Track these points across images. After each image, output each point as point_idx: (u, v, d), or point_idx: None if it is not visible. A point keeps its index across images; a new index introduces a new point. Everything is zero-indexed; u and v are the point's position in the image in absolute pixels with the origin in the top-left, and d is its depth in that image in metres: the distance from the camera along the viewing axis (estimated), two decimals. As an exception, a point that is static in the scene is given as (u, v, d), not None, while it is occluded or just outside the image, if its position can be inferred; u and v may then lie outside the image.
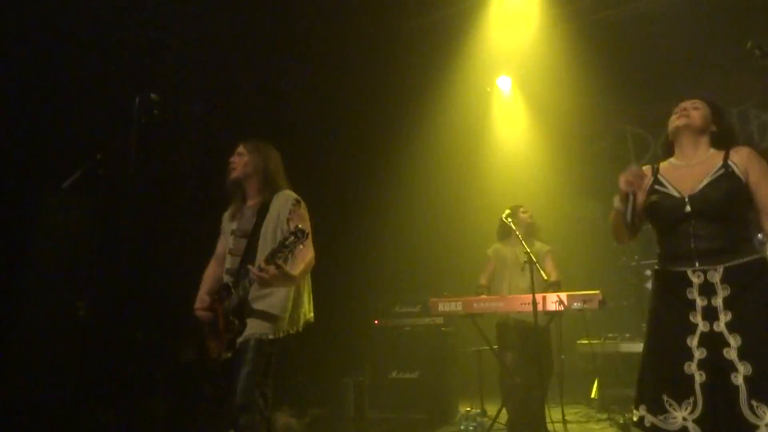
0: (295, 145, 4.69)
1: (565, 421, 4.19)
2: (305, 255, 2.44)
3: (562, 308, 3.48)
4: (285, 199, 2.55)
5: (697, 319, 1.93)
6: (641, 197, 2.06)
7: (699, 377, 1.88)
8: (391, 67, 5.46)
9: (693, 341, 1.91)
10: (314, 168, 4.80)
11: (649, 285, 5.22)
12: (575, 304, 3.46)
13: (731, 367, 1.84)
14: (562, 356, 4.74)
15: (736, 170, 1.97)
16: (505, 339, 3.83)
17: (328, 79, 5.02)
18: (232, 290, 2.45)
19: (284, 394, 4.12)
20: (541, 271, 3.45)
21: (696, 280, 1.94)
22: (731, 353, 1.85)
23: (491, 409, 3.95)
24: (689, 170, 2.05)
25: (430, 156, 5.78)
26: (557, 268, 3.81)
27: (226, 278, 2.53)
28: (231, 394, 2.35)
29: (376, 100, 5.38)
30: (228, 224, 2.66)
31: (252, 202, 2.60)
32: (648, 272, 5.24)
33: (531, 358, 3.62)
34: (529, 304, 3.44)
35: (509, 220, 3.70)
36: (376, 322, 4.63)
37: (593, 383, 4.59)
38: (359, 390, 4.51)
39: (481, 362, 4.36)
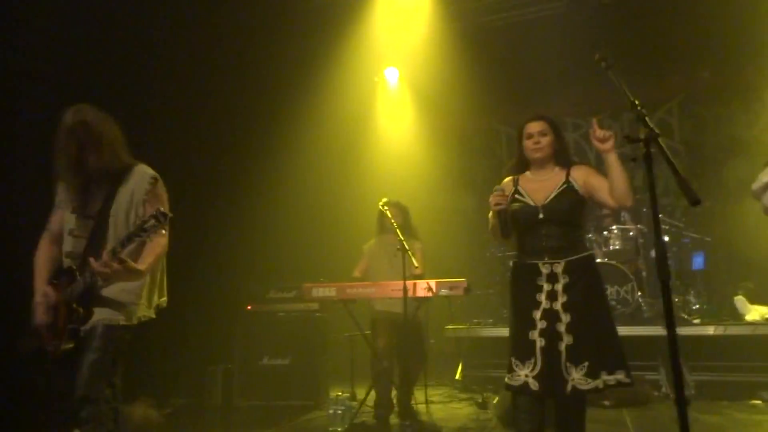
0: (165, 120, 4.38)
1: (428, 402, 4.40)
2: (158, 244, 2.25)
3: (431, 294, 3.63)
4: (140, 176, 2.32)
5: (542, 298, 2.41)
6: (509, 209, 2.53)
7: (539, 342, 2.36)
8: (273, 47, 5.28)
9: (537, 315, 2.40)
10: (185, 145, 4.50)
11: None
12: (443, 290, 3.63)
13: (560, 337, 2.34)
14: (432, 341, 4.98)
15: (576, 185, 2.49)
16: (378, 326, 3.92)
17: (203, 52, 4.70)
18: (77, 275, 2.18)
19: (144, 383, 3.86)
20: (413, 259, 3.56)
21: (545, 270, 2.44)
22: (561, 327, 2.36)
23: (362, 393, 4.03)
24: (542, 184, 2.55)
25: (312, 141, 5.70)
26: (424, 264, 3.95)
27: (68, 261, 2.25)
28: (75, 386, 2.13)
29: (255, 77, 5.17)
30: (66, 197, 2.34)
31: (96, 177, 2.29)
32: (511, 263, 5.66)
33: (402, 343, 3.76)
34: (400, 290, 3.54)
35: (385, 208, 3.79)
36: (249, 307, 4.49)
37: (458, 366, 4.86)
38: (227, 378, 4.36)
39: (354, 348, 4.42)
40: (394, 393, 3.80)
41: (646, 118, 1.75)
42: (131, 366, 2.33)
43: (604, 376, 2.30)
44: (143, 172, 2.34)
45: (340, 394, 3.88)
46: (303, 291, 3.82)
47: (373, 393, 3.82)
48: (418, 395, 4.24)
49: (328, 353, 4.56)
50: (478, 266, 5.95)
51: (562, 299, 2.39)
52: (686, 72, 5.85)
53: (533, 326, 2.39)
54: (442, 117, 6.73)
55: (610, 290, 4.74)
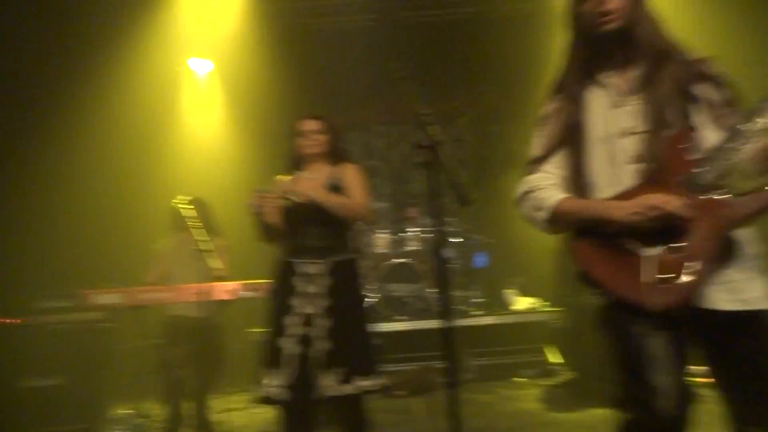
0: None
1: (229, 410, 4.22)
2: None
3: (233, 297, 3.49)
4: None
5: (299, 301, 2.36)
6: (274, 211, 2.47)
7: (293, 350, 2.30)
8: (63, 26, 4.59)
9: (292, 320, 2.34)
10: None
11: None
12: (245, 292, 3.51)
13: (313, 343, 2.30)
14: (236, 345, 4.77)
15: (340, 184, 2.52)
16: (172, 333, 3.63)
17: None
18: None
19: None
20: (213, 260, 3.38)
21: (306, 270, 2.41)
22: (316, 331, 2.32)
23: (155, 408, 3.69)
24: (312, 182, 2.55)
25: (102, 130, 5.08)
26: (228, 264, 3.78)
27: None
28: None
29: (40, 55, 4.43)
30: None
31: None
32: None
33: (198, 351, 3.53)
34: (197, 293, 3.33)
35: (181, 204, 3.54)
36: (7, 320, 3.78)
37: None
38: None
39: (145, 359, 4.02)
40: (190, 405, 3.56)
41: (430, 127, 1.90)
42: None
43: (359, 382, 2.30)
44: None
45: (121, 412, 3.50)
46: (81, 298, 3.36)
47: (164, 407, 3.53)
48: (219, 403, 4.04)
49: (112, 368, 4.07)
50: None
51: (320, 302, 2.35)
52: (476, 93, 6.59)
53: (287, 332, 2.32)
54: (254, 115, 6.54)
55: (406, 288, 5.11)
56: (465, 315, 5.06)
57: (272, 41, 5.72)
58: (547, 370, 4.67)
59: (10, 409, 3.64)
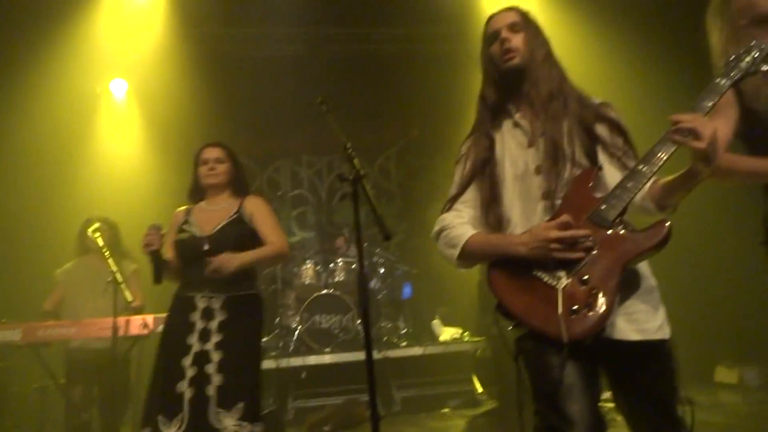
0: None
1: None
2: None
3: (147, 332, 3.29)
4: None
5: (193, 340, 2.26)
6: (168, 248, 2.40)
7: (188, 393, 2.17)
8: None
9: (187, 361, 2.21)
10: None
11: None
12: (162, 327, 3.31)
13: (208, 380, 2.19)
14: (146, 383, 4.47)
15: (245, 217, 2.46)
16: (76, 370, 3.35)
17: None
18: None
19: None
20: (126, 293, 3.18)
21: (201, 305, 2.32)
22: (211, 368, 2.21)
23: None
24: (213, 214, 2.48)
25: (11, 151, 4.74)
26: (141, 290, 3.58)
27: None
28: None
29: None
30: None
31: None
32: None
33: (104, 390, 3.28)
34: (108, 328, 3.11)
35: (95, 234, 3.32)
36: None
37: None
38: None
39: (45, 400, 3.69)
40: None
41: (354, 160, 1.92)
42: None
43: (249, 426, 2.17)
44: None
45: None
46: (-27, 335, 3.05)
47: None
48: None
49: (9, 411, 3.70)
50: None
51: (216, 338, 2.26)
52: (401, 127, 6.76)
53: (182, 376, 2.19)
54: (175, 139, 6.32)
55: (334, 319, 5.05)
56: (392, 346, 5.05)
57: (193, 66, 5.62)
58: (472, 400, 4.73)
59: None
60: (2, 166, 4.71)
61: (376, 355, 4.79)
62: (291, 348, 4.95)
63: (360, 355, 4.84)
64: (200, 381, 2.16)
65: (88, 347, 3.35)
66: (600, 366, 1.54)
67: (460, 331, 5.35)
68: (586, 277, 1.48)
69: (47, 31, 5.04)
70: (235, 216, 2.44)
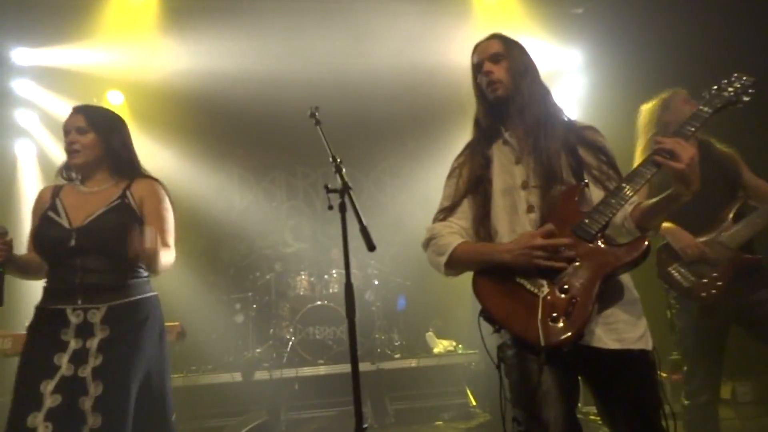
0: None
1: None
2: None
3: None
4: None
5: (62, 361, 1.73)
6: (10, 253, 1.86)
7: (44, 430, 1.65)
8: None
9: (48, 387, 1.69)
10: None
11: (237, 318, 5.54)
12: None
13: (83, 419, 1.69)
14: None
15: (133, 203, 1.93)
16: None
17: None
18: None
19: None
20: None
21: (74, 319, 1.79)
22: (87, 403, 1.71)
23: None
24: (87, 198, 1.94)
25: None
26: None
27: None
28: None
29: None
30: None
31: None
32: (238, 306, 5.57)
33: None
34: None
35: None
36: None
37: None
38: None
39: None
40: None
41: (342, 172, 1.95)
42: None
43: None
44: None
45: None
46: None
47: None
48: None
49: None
50: (200, 310, 5.66)
51: (94, 362, 1.75)
52: (396, 139, 6.79)
53: (39, 405, 1.66)
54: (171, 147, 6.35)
55: (328, 330, 5.05)
56: (386, 358, 5.05)
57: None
58: (466, 413, 4.72)
59: None
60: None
61: (370, 366, 4.79)
62: (284, 359, 4.94)
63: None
64: (69, 417, 1.66)
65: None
66: (580, 374, 1.57)
67: (453, 343, 5.35)
68: (566, 286, 1.51)
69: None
70: (117, 202, 1.90)
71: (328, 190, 1.91)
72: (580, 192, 1.62)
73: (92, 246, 1.82)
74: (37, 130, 5.58)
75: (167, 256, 1.91)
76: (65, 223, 1.87)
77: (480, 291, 1.62)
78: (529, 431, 1.48)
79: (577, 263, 1.52)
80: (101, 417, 1.68)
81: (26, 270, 1.91)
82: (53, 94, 5.50)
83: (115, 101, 5.94)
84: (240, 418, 4.08)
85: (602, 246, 1.54)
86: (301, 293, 5.39)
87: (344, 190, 1.88)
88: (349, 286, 1.87)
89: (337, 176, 1.91)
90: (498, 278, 1.59)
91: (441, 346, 5.26)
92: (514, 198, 1.68)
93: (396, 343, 5.51)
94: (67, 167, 2.02)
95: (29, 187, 5.41)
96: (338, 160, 1.95)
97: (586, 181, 1.65)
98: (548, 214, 1.61)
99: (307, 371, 4.80)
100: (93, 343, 1.75)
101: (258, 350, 5.19)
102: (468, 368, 4.99)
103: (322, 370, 4.85)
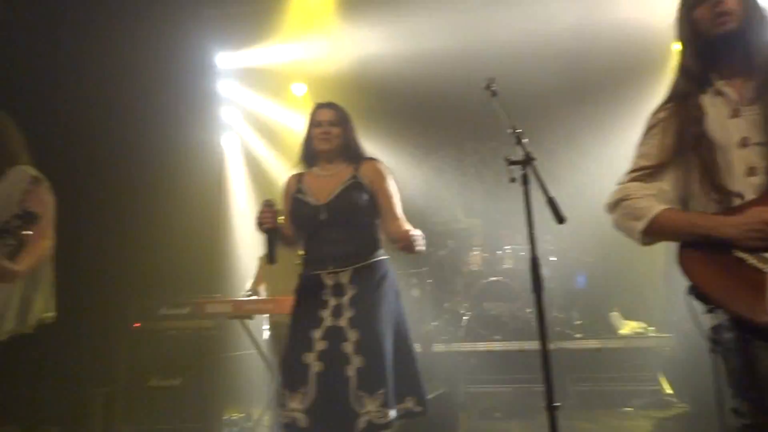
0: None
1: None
2: (38, 246, 2.14)
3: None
4: (18, 176, 2.22)
5: (325, 314, 2.08)
6: (285, 225, 2.26)
7: (315, 367, 2.01)
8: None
9: (317, 334, 2.05)
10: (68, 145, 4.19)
11: (414, 292, 5.76)
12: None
13: (346, 360, 2.01)
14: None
15: (363, 181, 2.22)
16: (278, 341, 3.82)
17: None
18: None
19: (8, 410, 3.47)
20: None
21: (329, 282, 2.13)
22: (348, 347, 2.03)
23: (258, 413, 3.90)
24: (327, 180, 2.25)
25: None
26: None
27: None
28: None
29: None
30: None
31: None
32: (414, 280, 5.79)
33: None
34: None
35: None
36: (136, 324, 4.20)
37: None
38: (109, 401, 4.04)
39: (251, 366, 4.28)
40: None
41: (523, 142, 1.89)
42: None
43: (399, 405, 2.03)
44: (21, 171, 2.23)
45: (234, 416, 3.73)
46: (197, 307, 3.66)
47: (269, 412, 3.72)
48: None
49: (222, 373, 4.37)
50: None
51: (348, 314, 2.07)
52: (570, 107, 6.35)
53: (309, 347, 2.04)
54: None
55: (503, 307, 4.99)
56: (565, 337, 4.84)
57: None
58: (659, 401, 4.32)
59: (140, 405, 4.02)
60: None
61: (550, 345, 4.63)
62: (462, 333, 5.02)
63: (531, 344, 4.73)
64: (334, 358, 2.00)
65: (284, 321, 3.78)
66: None
67: (643, 325, 4.91)
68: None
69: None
70: (351, 182, 2.21)
71: (510, 162, 1.85)
72: None
73: (338, 217, 2.15)
74: (240, 124, 6.41)
75: (422, 242, 2.19)
76: (313, 201, 2.20)
77: (689, 266, 1.43)
78: (757, 425, 1.30)
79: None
80: (363, 358, 2.00)
81: (286, 239, 2.28)
82: (250, 90, 6.26)
83: (298, 93, 6.52)
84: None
85: None
86: (475, 269, 5.41)
87: (527, 161, 1.82)
88: (534, 260, 1.82)
89: (518, 147, 1.85)
90: (710, 251, 1.39)
91: (629, 327, 4.87)
92: (730, 157, 1.44)
93: (576, 323, 5.25)
94: (309, 155, 2.33)
95: (235, 173, 6.27)
96: (519, 130, 1.89)
97: None
98: None
99: (483, 347, 4.83)
100: (345, 300, 2.09)
101: (434, 323, 5.35)
102: (661, 353, 4.54)
103: (497, 345, 4.83)
